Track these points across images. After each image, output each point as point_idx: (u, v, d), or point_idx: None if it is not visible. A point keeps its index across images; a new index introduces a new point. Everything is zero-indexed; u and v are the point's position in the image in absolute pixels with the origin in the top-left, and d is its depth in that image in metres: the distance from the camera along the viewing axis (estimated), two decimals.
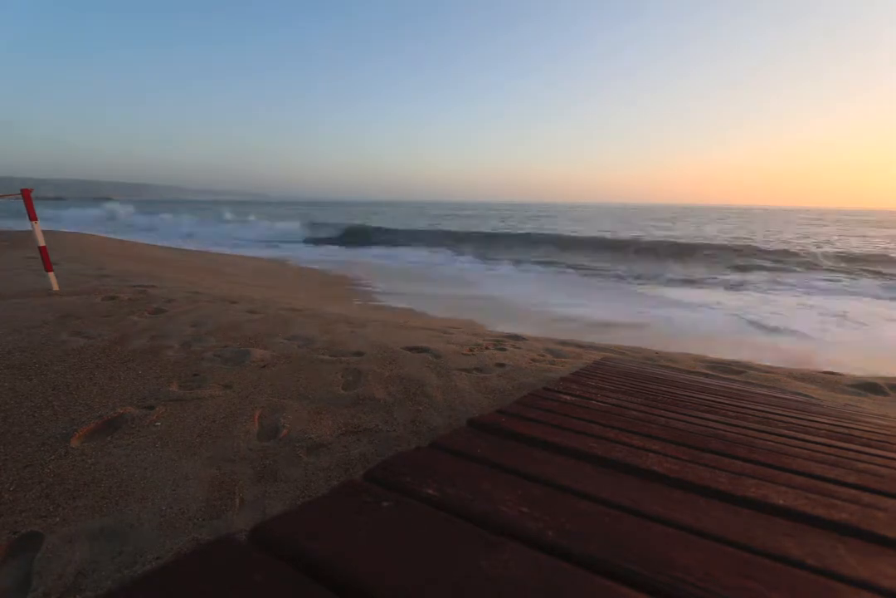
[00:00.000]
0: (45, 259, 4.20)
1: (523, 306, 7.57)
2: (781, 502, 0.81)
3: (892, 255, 16.22)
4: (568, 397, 1.56)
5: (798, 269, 13.90)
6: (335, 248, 18.07)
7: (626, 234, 24.80)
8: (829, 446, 1.32)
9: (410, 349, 2.98)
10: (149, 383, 2.14)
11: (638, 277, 12.01)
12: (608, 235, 22.94)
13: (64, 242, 10.74)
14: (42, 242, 4.20)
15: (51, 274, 4.18)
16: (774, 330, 6.45)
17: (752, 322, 6.90)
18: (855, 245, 20.71)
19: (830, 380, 3.45)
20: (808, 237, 25.25)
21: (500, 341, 3.59)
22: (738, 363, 3.73)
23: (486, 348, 3.24)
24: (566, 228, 28.76)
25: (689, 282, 11.46)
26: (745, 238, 23.11)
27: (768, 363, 4.01)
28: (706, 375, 3.26)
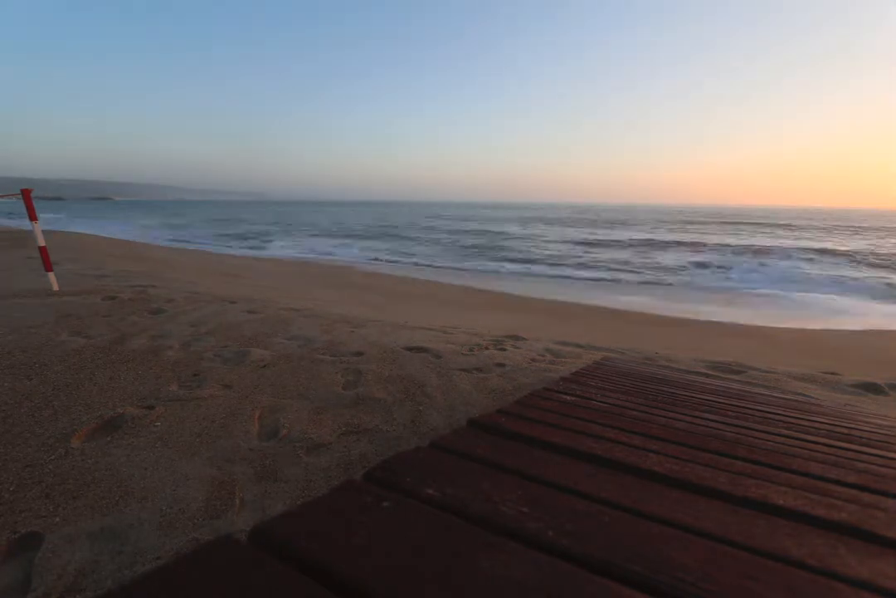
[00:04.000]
0: (45, 259, 4.20)
1: None
2: (781, 502, 0.81)
3: None
4: (568, 397, 1.56)
5: None
6: None
7: None
8: (829, 446, 1.32)
9: (410, 349, 2.98)
10: (149, 383, 2.14)
11: None
12: None
13: (64, 242, 10.74)
14: (42, 242, 4.20)
15: (51, 274, 4.18)
16: None
17: None
18: None
19: (830, 380, 3.45)
20: None
21: (500, 341, 3.59)
22: (738, 363, 3.73)
23: (486, 348, 3.24)
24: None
25: None
26: None
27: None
28: (706, 375, 3.25)
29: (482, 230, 31.33)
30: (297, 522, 0.61)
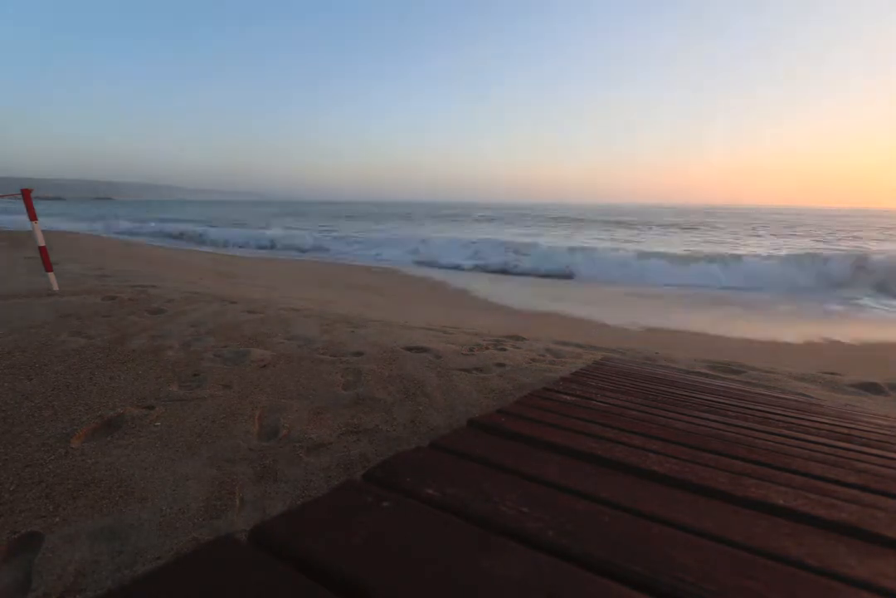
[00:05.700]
0: (45, 259, 4.20)
1: None
2: (781, 502, 0.81)
3: None
4: (568, 397, 1.56)
5: None
6: None
7: None
8: (829, 446, 1.32)
9: (410, 349, 2.98)
10: (149, 383, 2.14)
11: None
12: None
13: (64, 242, 10.75)
14: (42, 243, 4.20)
15: (51, 274, 4.18)
16: None
17: None
18: None
19: (830, 380, 3.45)
20: None
21: (500, 341, 3.59)
22: (738, 363, 3.73)
23: (486, 348, 3.24)
24: None
25: None
26: None
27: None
28: (706, 375, 3.25)
29: None
30: (298, 522, 0.61)
